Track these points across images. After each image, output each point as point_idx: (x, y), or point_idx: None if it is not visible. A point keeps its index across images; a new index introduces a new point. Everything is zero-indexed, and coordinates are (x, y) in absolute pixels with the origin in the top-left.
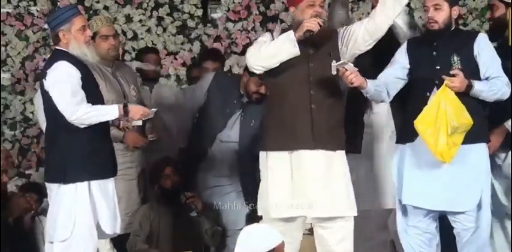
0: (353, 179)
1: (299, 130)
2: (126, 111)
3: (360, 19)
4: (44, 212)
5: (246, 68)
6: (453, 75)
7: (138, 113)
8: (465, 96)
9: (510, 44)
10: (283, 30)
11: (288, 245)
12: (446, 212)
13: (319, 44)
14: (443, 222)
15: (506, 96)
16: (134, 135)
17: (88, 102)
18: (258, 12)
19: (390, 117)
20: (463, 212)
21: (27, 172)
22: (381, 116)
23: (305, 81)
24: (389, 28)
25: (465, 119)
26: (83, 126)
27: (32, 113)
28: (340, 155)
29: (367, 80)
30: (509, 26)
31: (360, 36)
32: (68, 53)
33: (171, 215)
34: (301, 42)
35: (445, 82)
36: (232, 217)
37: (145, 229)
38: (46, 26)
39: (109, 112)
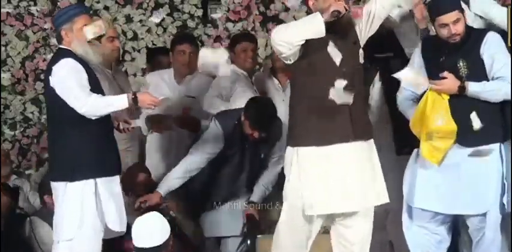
0: None
1: (338, 123)
2: (135, 100)
3: None
4: (40, 213)
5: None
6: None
7: (145, 101)
8: (468, 97)
9: (510, 44)
10: None
11: (300, 241)
12: (459, 215)
13: (343, 34)
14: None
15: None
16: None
17: None
18: (258, 12)
19: None
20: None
21: (27, 172)
22: None
23: (338, 72)
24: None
25: (438, 126)
26: (94, 118)
27: (32, 113)
28: (373, 143)
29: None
30: (509, 26)
31: (376, 15)
32: (72, 52)
33: None
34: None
35: (430, 86)
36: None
37: None
38: (46, 26)
39: (119, 101)
